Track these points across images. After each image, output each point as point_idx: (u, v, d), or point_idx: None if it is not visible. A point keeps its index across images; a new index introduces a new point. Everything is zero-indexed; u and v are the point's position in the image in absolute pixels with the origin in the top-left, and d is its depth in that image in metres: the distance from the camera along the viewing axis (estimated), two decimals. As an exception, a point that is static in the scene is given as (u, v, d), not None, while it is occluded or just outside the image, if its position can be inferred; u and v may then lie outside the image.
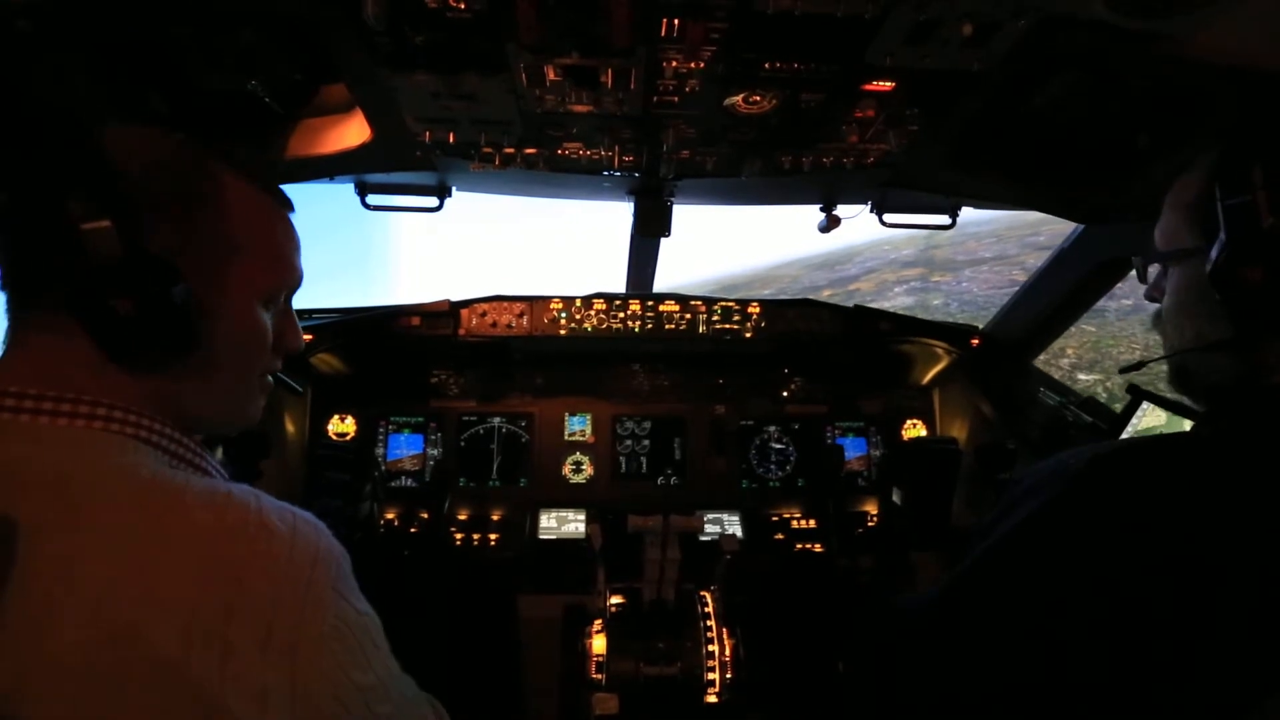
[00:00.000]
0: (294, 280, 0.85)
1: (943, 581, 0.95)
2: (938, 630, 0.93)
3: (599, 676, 1.74)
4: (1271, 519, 0.70)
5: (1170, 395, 1.73)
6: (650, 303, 2.21)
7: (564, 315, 2.19)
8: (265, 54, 1.14)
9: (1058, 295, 2.05)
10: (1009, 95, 1.33)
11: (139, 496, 0.64)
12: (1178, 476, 0.76)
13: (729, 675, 1.76)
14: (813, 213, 2.02)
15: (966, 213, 2.00)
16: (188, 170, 0.75)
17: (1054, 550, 0.80)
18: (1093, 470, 0.81)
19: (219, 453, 1.54)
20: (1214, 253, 0.82)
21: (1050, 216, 1.81)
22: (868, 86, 1.31)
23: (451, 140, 1.47)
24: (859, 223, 1.99)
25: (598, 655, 1.77)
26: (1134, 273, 1.01)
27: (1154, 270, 0.99)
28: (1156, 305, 0.98)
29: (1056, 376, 2.28)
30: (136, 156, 0.72)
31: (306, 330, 1.98)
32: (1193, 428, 0.91)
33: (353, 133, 1.48)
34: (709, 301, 2.23)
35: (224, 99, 1.21)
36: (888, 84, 1.30)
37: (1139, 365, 1.13)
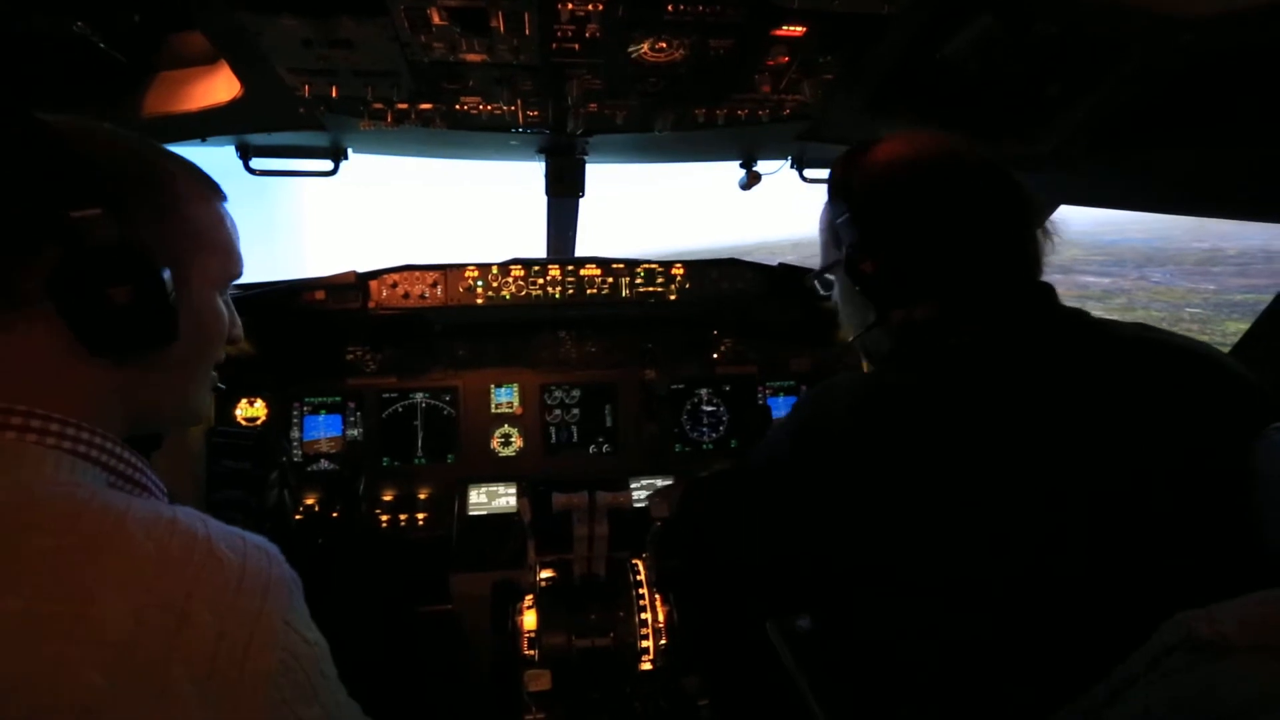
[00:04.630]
0: (240, 271, 0.87)
1: (733, 473, 1.35)
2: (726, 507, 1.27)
3: (531, 653, 1.71)
4: (938, 429, 0.90)
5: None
6: (570, 267, 2.12)
7: (480, 284, 2.09)
8: (89, -9, 0.99)
9: None
10: (922, 42, 1.30)
11: (73, 520, 0.59)
12: (869, 401, 0.99)
13: (663, 642, 1.76)
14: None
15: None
16: (149, 161, 0.76)
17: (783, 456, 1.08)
18: (802, 402, 1.13)
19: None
20: (843, 257, 1.08)
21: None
22: (778, 31, 1.25)
23: (335, 95, 1.33)
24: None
25: (529, 631, 1.74)
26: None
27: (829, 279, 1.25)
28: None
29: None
30: (101, 148, 0.72)
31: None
32: (875, 369, 1.14)
33: (221, 87, 1.32)
34: (631, 264, 2.16)
35: (50, 44, 1.04)
36: (799, 28, 1.24)
37: (845, 348, 1.46)
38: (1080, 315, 1.00)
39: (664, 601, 1.80)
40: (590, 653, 1.69)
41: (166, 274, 0.71)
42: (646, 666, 1.72)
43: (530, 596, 1.79)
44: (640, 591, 1.79)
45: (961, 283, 1.02)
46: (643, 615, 1.76)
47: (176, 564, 0.59)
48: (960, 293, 1.02)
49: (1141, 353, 0.94)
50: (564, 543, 1.85)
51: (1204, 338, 1.02)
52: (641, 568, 1.85)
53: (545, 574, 1.83)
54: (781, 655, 1.49)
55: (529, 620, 1.74)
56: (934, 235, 1.02)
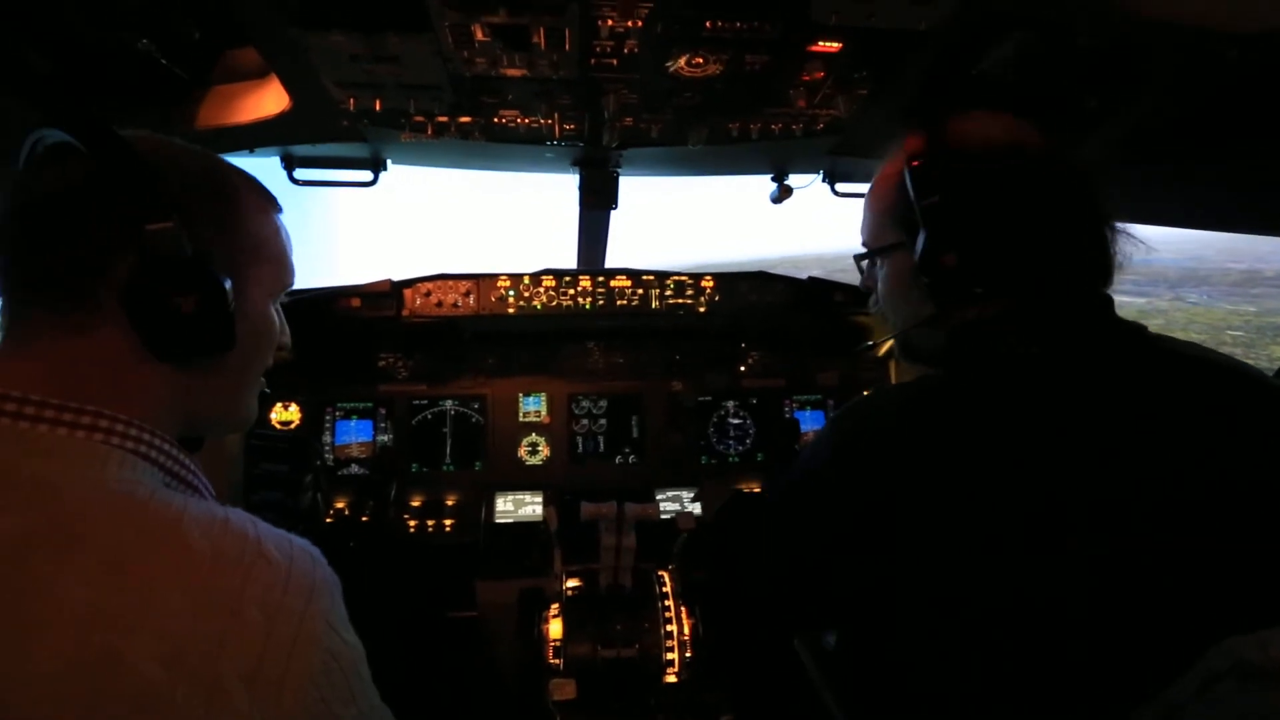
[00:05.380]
0: (292, 280, 0.91)
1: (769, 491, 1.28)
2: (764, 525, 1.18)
3: (556, 661, 1.71)
4: (994, 442, 0.86)
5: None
6: (601, 279, 2.14)
7: (512, 293, 2.12)
8: (155, 9, 1.03)
9: None
10: (958, 56, 1.30)
11: (135, 517, 0.62)
12: (918, 410, 0.94)
13: (688, 654, 1.75)
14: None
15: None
16: (217, 175, 0.80)
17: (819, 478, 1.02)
18: (844, 413, 1.06)
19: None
20: (919, 245, 1.00)
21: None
22: (814, 47, 1.26)
23: (378, 108, 1.37)
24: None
25: (554, 640, 1.74)
26: None
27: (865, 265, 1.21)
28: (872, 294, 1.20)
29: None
30: (173, 161, 0.76)
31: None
32: (922, 377, 1.04)
33: (270, 100, 1.37)
34: (661, 276, 2.18)
35: (116, 59, 1.09)
36: (834, 44, 1.25)
37: (870, 346, 1.41)
38: (1142, 330, 0.98)
39: (689, 614, 1.79)
40: (615, 663, 1.68)
41: (228, 284, 0.75)
42: (671, 679, 1.71)
43: (556, 605, 1.79)
44: (666, 603, 1.79)
45: (1039, 285, 0.97)
46: (668, 627, 1.75)
47: (229, 563, 0.62)
48: (1033, 296, 0.97)
49: (1205, 374, 0.91)
50: (590, 552, 1.85)
51: (1250, 361, 0.99)
52: (667, 579, 1.84)
53: (571, 583, 1.84)
54: (810, 672, 1.47)
55: (554, 629, 1.75)
56: (1027, 233, 0.96)
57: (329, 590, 0.67)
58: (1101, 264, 1.00)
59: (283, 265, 0.88)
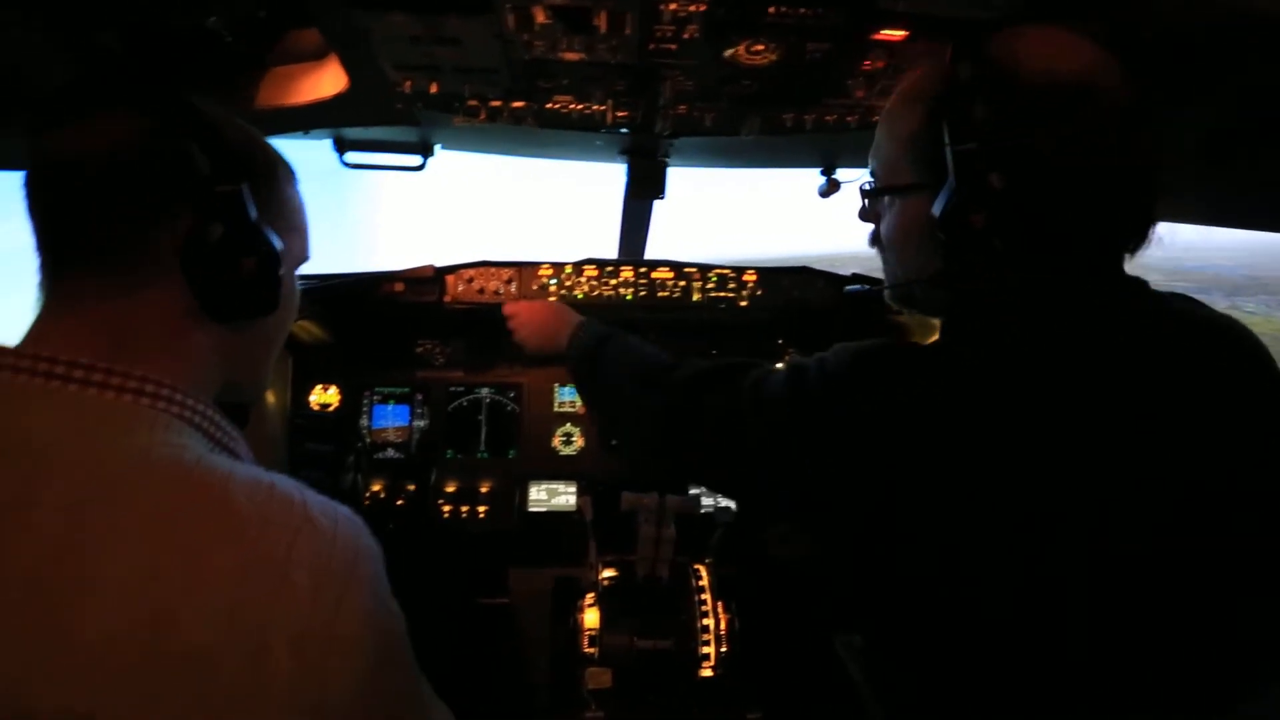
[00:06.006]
0: (310, 254, 0.93)
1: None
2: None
3: (591, 650, 1.71)
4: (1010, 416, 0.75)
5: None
6: (643, 269, 2.13)
7: (554, 282, 2.12)
8: (224, -13, 1.04)
9: None
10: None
11: (182, 480, 0.62)
12: (931, 376, 0.80)
13: (723, 650, 1.74)
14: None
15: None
16: (263, 147, 0.83)
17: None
18: (855, 365, 0.86)
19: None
20: (943, 197, 0.83)
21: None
22: (878, 35, 1.23)
23: (434, 91, 1.37)
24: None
25: (590, 629, 1.74)
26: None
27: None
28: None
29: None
30: (235, 131, 0.79)
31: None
32: (938, 340, 0.93)
33: (329, 82, 1.38)
34: (704, 269, 2.16)
35: (183, 37, 1.11)
36: (900, 32, 1.22)
37: (866, 290, 1.21)
38: (1172, 299, 0.90)
39: (725, 609, 1.78)
40: (651, 654, 1.68)
41: (280, 247, 0.78)
42: (706, 673, 1.71)
43: (591, 594, 1.79)
44: (703, 597, 1.78)
45: (1068, 263, 0.85)
46: (704, 621, 1.74)
47: (276, 526, 0.62)
48: (1059, 274, 0.85)
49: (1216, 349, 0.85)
50: (625, 543, 1.85)
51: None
52: (704, 573, 1.84)
53: (607, 573, 1.84)
54: (850, 671, 1.45)
55: (590, 618, 1.75)
56: (1081, 206, 0.82)
57: (373, 558, 0.67)
58: (1136, 235, 0.88)
59: (306, 237, 0.91)
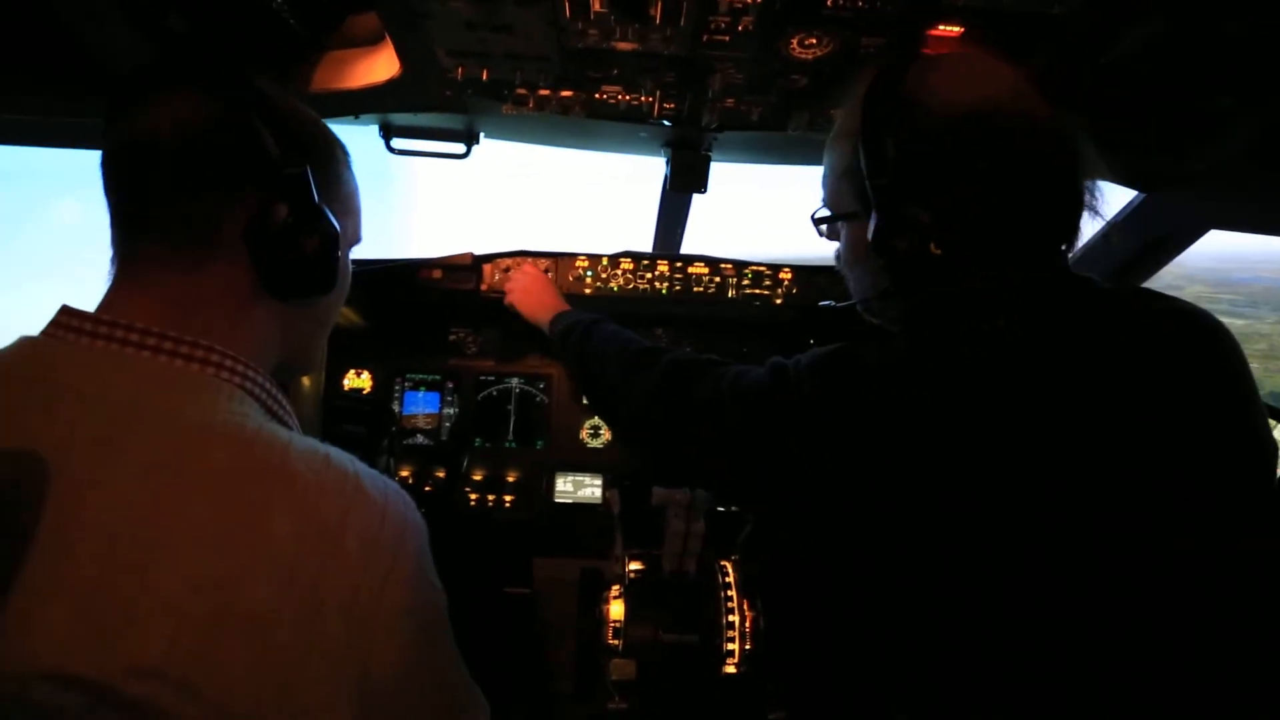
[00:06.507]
0: (361, 236, 0.96)
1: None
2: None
3: (616, 642, 1.72)
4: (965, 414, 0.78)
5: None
6: (679, 264, 2.13)
7: (590, 274, 2.12)
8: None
9: (1105, 271, 1.96)
10: (1086, 45, 1.24)
11: (246, 446, 0.64)
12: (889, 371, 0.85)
13: (748, 647, 1.73)
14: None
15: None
16: (325, 131, 0.86)
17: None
18: (811, 368, 0.94)
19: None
20: (871, 224, 0.92)
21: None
22: (934, 31, 1.21)
23: (485, 78, 1.38)
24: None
25: (615, 621, 1.74)
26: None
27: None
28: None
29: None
30: (300, 115, 0.82)
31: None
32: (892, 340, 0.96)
33: (381, 67, 1.40)
34: (740, 265, 2.15)
35: (246, 20, 1.13)
36: (957, 28, 1.20)
37: (836, 307, 1.27)
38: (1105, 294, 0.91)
39: (750, 606, 1.77)
40: (676, 648, 1.68)
41: (339, 228, 0.80)
42: (730, 669, 1.70)
43: (617, 586, 1.80)
44: (729, 593, 1.78)
45: (1001, 264, 0.90)
46: (730, 618, 1.74)
47: (332, 494, 0.64)
48: (994, 274, 0.90)
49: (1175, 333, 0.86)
50: (652, 537, 1.85)
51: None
52: (730, 569, 1.83)
53: (634, 566, 1.84)
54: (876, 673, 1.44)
55: (615, 610, 1.75)
56: (993, 222, 0.89)
57: (419, 533, 0.69)
58: (1067, 232, 0.94)
59: (359, 219, 0.94)
